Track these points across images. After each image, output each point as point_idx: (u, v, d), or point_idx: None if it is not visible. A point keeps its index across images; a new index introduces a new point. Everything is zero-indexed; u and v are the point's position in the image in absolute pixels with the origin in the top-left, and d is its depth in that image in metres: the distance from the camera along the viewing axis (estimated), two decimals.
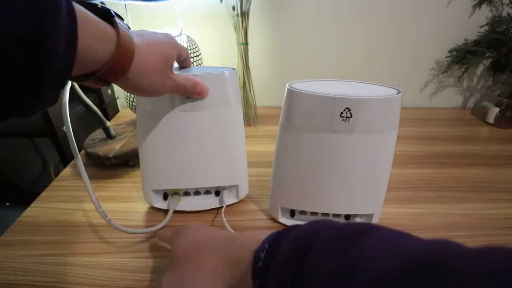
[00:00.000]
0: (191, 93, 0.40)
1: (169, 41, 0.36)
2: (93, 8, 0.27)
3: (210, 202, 0.49)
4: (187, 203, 0.49)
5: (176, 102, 0.42)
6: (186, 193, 0.49)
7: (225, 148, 0.45)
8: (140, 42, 0.31)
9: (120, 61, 0.29)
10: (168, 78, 0.36)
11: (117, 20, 0.28)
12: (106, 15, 0.28)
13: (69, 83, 0.41)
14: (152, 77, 0.33)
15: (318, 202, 0.43)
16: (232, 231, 0.41)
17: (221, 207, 0.47)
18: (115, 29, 0.28)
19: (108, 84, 0.31)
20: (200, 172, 0.46)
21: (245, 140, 0.47)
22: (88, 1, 0.28)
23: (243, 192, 0.50)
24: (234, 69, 0.43)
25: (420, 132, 0.74)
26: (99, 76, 0.28)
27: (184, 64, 0.43)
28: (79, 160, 0.38)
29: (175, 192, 0.49)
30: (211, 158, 0.45)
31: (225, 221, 0.43)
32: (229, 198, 0.49)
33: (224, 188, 0.49)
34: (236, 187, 0.49)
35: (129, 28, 0.31)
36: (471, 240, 0.44)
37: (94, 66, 0.27)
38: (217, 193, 0.49)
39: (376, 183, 0.42)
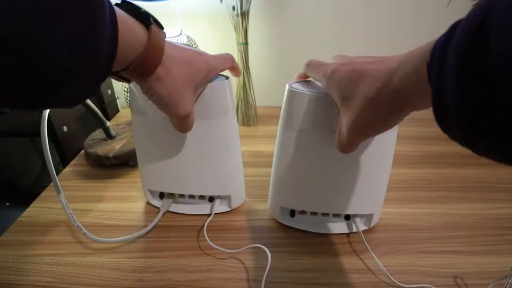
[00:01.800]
0: (175, 124, 0.38)
1: (201, 66, 0.36)
2: (135, 10, 0.28)
3: (203, 207, 0.49)
4: (180, 205, 0.49)
5: None
6: (181, 195, 0.49)
7: (219, 158, 0.45)
8: (172, 53, 0.32)
9: (144, 65, 0.29)
10: (187, 99, 0.35)
11: (154, 26, 0.29)
12: (144, 18, 0.28)
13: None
14: (172, 90, 0.33)
15: (318, 202, 0.43)
16: (215, 246, 0.41)
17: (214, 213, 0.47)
18: (147, 33, 0.28)
19: (128, 82, 0.32)
20: (193, 180, 0.46)
21: (240, 150, 0.46)
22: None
23: (237, 201, 0.49)
24: (227, 78, 0.41)
25: (420, 132, 0.74)
26: (120, 75, 0.29)
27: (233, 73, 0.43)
28: (62, 196, 0.39)
29: (171, 193, 0.49)
30: (204, 167, 0.45)
31: (206, 236, 0.42)
32: (220, 207, 0.48)
33: (218, 196, 0.49)
34: (228, 197, 0.48)
35: (165, 36, 0.31)
36: (471, 240, 0.44)
37: (119, 64, 0.27)
38: (211, 199, 0.49)
39: (376, 183, 0.42)
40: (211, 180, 0.46)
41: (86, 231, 0.40)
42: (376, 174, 0.41)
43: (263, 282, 0.37)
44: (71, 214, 0.40)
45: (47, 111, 0.40)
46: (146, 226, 0.45)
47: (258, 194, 0.52)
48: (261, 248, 0.40)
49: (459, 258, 0.41)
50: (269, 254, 0.39)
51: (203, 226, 0.45)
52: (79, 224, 0.40)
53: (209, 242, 0.41)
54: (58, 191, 0.39)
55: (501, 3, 0.15)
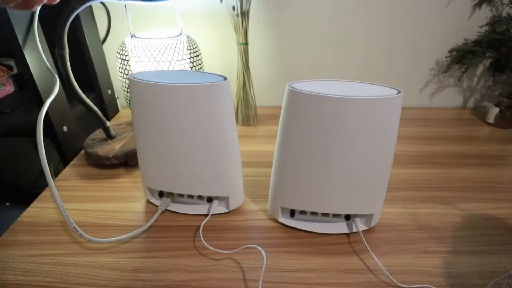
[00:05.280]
0: None
1: None
2: None
3: (201, 207, 0.49)
4: (179, 205, 0.49)
5: (171, 111, 0.41)
6: (180, 194, 0.49)
7: (217, 159, 0.45)
8: None
9: None
10: None
11: None
12: None
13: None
14: None
15: (318, 202, 0.43)
16: (209, 247, 0.41)
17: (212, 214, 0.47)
18: None
19: None
20: (191, 180, 0.46)
21: (239, 152, 0.46)
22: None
23: (235, 203, 0.49)
24: (226, 78, 0.41)
25: (420, 132, 0.74)
26: None
27: None
28: (57, 198, 0.39)
29: (170, 192, 0.49)
30: (202, 167, 0.45)
31: (202, 237, 0.42)
32: (218, 208, 0.48)
33: (216, 197, 0.48)
34: (226, 198, 0.48)
35: None
36: (471, 240, 0.44)
37: None
38: (210, 199, 0.49)
39: (376, 183, 0.42)
40: (209, 181, 0.46)
41: (82, 232, 0.40)
42: (376, 174, 0.41)
43: (260, 282, 0.37)
44: (67, 215, 0.40)
45: (43, 112, 0.40)
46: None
47: (257, 194, 0.52)
48: (258, 248, 0.40)
49: (459, 258, 0.41)
50: (264, 254, 0.39)
51: (202, 226, 0.45)
52: (75, 226, 0.40)
53: (204, 243, 0.41)
54: (54, 193, 0.39)
55: None
